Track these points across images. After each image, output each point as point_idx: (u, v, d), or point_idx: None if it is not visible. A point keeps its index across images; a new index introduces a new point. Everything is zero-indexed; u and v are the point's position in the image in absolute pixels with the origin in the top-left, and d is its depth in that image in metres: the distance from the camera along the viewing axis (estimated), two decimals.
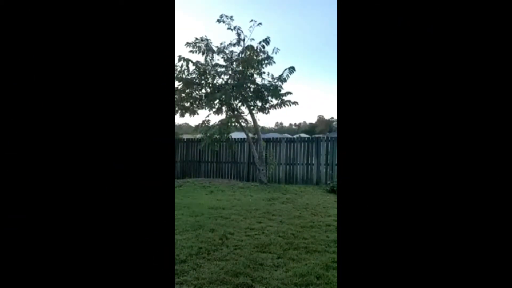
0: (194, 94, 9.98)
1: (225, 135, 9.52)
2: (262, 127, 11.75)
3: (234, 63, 9.58)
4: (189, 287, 2.52)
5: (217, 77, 9.81)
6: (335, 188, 7.89)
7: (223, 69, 9.67)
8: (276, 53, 9.45)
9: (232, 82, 9.59)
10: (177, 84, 9.64)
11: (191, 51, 9.53)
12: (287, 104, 9.48)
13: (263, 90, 9.38)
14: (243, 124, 10.04)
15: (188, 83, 9.64)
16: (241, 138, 10.95)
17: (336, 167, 9.48)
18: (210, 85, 9.86)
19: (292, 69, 9.40)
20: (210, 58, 9.65)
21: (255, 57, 9.29)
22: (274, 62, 9.45)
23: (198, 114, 10.16)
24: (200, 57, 9.70)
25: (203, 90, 9.96)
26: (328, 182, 9.14)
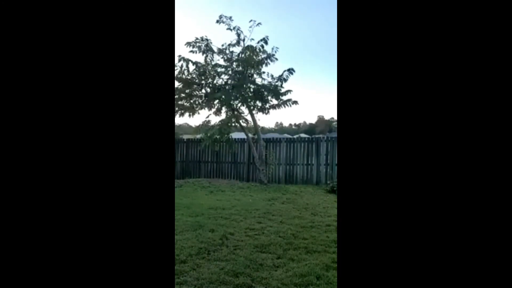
0: (194, 94, 9.98)
1: (225, 135, 9.52)
2: (262, 127, 11.74)
3: (234, 63, 9.58)
4: (189, 287, 2.52)
5: (217, 77, 9.81)
6: (335, 188, 7.88)
7: (223, 69, 9.67)
8: (276, 52, 9.47)
9: (232, 82, 9.59)
10: (177, 84, 9.64)
11: (191, 51, 9.54)
12: (287, 105, 9.48)
13: (263, 90, 9.38)
14: (243, 124, 10.03)
15: (188, 83, 9.64)
16: (241, 138, 10.94)
17: (336, 167, 9.47)
18: (210, 85, 9.87)
19: (291, 71, 9.41)
20: (210, 58, 9.66)
21: (254, 57, 9.29)
22: (276, 59, 9.45)
23: (199, 113, 10.17)
24: (200, 57, 9.71)
25: (203, 90, 9.96)
26: (328, 182, 9.13)
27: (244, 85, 9.34)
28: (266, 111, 9.74)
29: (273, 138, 11.40)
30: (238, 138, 11.04)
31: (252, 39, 9.65)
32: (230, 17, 9.27)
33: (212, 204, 6.05)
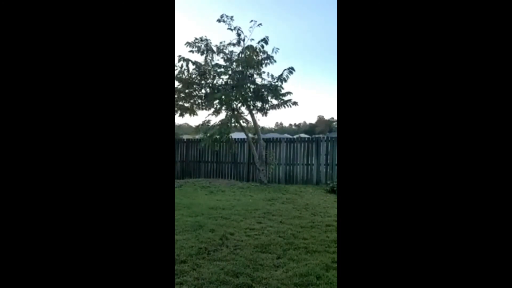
0: (194, 94, 9.98)
1: (225, 135, 9.52)
2: (262, 127, 11.74)
3: (234, 63, 9.58)
4: (189, 287, 2.52)
5: (217, 77, 9.80)
6: (335, 188, 7.88)
7: (223, 69, 9.67)
8: (276, 52, 9.46)
9: (232, 82, 9.59)
10: (177, 84, 9.64)
11: (190, 51, 9.54)
12: (287, 105, 9.49)
13: (263, 90, 9.38)
14: (243, 124, 10.03)
15: (188, 83, 9.64)
16: (241, 138, 10.94)
17: (336, 167, 9.47)
18: (210, 85, 9.86)
19: (291, 70, 9.41)
20: (210, 58, 9.65)
21: (254, 57, 9.29)
22: (275, 61, 9.45)
23: (197, 115, 10.16)
24: (200, 57, 9.70)
25: (203, 90, 9.96)
26: (328, 182, 9.13)
27: (244, 85, 9.33)
28: (265, 112, 9.73)
29: (273, 138, 11.40)
30: (238, 138, 11.03)
31: (252, 39, 9.66)
32: (231, 17, 9.27)
33: (212, 204, 6.05)
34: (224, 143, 10.25)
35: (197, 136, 11.54)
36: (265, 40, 9.05)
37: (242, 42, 9.44)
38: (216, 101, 9.55)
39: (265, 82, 9.56)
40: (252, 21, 9.13)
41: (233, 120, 9.75)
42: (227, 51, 9.66)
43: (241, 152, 11.03)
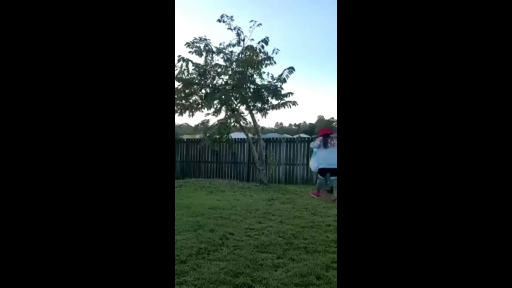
0: (193, 95, 9.97)
1: (225, 135, 9.51)
2: (262, 127, 11.75)
3: (234, 63, 9.57)
4: (189, 287, 2.52)
5: (216, 77, 9.80)
6: None
7: (222, 70, 9.66)
8: (276, 53, 9.45)
9: (232, 83, 9.58)
10: (177, 84, 9.63)
11: (190, 51, 9.54)
12: (287, 105, 9.48)
13: (263, 90, 9.37)
14: (243, 124, 10.03)
15: (188, 83, 9.64)
16: (241, 138, 10.94)
17: None
18: (210, 85, 9.86)
19: (291, 69, 9.40)
20: (210, 58, 9.64)
21: (254, 58, 9.28)
22: (275, 62, 9.44)
23: (193, 116, 10.15)
24: (200, 58, 9.68)
25: (203, 91, 9.95)
26: (328, 182, 9.12)
27: (244, 85, 9.33)
28: (265, 113, 9.70)
29: (273, 138, 11.41)
30: (238, 138, 11.03)
31: (252, 39, 9.62)
32: (231, 17, 9.26)
33: (212, 204, 6.05)
34: (224, 143, 10.25)
35: (197, 136, 11.53)
36: (265, 41, 9.04)
37: (242, 42, 9.43)
38: (216, 101, 9.54)
39: (265, 82, 9.56)
40: (252, 21, 9.13)
41: (232, 120, 9.74)
42: (227, 51, 9.65)
43: (241, 152, 11.03)
